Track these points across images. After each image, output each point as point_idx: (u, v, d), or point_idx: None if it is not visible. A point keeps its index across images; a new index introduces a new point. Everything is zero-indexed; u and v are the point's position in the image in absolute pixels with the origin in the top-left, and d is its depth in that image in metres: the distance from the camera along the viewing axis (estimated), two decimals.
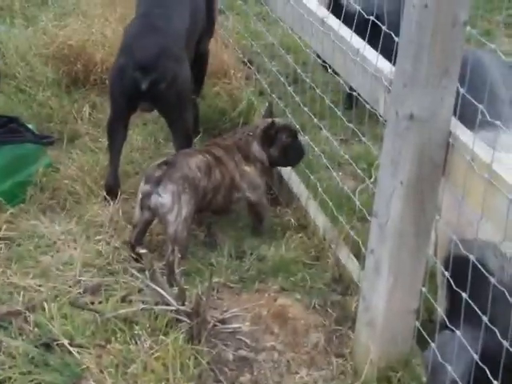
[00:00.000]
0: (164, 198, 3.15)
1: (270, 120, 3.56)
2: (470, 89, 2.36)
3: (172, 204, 3.14)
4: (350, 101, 4.01)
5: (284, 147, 3.55)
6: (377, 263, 2.59)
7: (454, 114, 2.39)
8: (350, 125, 3.15)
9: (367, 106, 2.80)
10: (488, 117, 2.22)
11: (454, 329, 2.43)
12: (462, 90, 2.34)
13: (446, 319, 2.47)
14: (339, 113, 3.27)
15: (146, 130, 4.25)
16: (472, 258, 2.31)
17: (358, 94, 2.91)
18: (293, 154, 3.59)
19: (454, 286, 2.49)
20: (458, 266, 2.38)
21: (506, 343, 2.18)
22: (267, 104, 3.76)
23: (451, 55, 2.30)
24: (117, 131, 3.60)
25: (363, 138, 3.11)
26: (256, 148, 3.53)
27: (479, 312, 2.27)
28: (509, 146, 2.33)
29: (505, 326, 2.22)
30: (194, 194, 3.22)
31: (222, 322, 2.90)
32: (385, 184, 2.54)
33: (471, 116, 2.28)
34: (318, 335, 2.90)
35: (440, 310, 2.52)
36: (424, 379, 2.57)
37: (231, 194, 3.47)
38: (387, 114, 2.53)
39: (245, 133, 3.59)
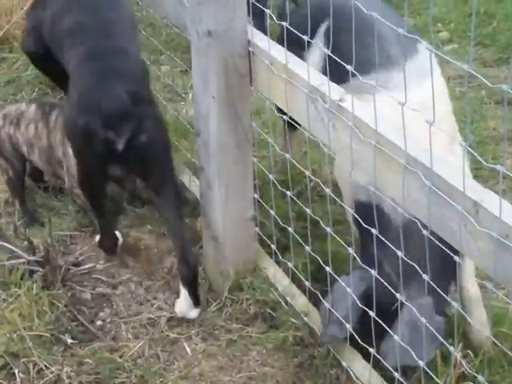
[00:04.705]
0: None
1: None
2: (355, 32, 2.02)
3: None
4: None
5: None
6: (207, 179, 2.69)
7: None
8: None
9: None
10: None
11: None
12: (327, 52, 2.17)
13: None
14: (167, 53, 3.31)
15: None
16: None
17: (171, 23, 2.97)
18: None
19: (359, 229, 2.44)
20: (361, 210, 2.35)
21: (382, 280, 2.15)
22: None
23: None
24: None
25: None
26: None
27: (355, 255, 2.27)
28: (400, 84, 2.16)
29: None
30: None
31: (77, 264, 2.96)
32: (200, 102, 2.62)
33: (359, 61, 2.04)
34: (172, 259, 2.98)
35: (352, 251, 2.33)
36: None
37: (52, 162, 3.11)
38: (190, 35, 2.60)
39: None
